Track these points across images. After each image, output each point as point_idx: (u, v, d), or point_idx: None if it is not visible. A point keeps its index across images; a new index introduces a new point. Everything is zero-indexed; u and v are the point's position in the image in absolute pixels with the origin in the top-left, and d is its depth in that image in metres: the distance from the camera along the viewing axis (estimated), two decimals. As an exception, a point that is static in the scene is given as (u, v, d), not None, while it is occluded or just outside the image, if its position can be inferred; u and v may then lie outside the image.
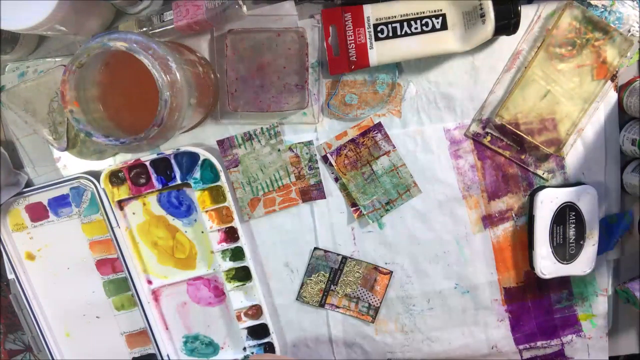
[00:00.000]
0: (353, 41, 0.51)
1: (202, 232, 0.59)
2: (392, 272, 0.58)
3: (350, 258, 0.58)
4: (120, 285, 0.60)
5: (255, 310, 0.59)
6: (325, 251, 0.58)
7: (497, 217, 0.57)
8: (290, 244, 0.58)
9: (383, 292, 0.58)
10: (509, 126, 0.53)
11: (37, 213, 0.59)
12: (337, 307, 0.59)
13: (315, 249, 0.58)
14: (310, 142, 0.56)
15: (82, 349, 0.62)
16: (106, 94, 0.46)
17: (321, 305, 0.59)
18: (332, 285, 0.59)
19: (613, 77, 0.53)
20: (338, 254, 0.58)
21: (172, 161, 0.56)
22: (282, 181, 0.57)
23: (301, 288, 0.59)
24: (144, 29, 0.50)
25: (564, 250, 0.55)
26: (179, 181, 0.56)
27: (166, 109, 0.41)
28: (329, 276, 0.58)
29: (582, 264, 0.55)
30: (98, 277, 0.60)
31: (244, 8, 0.49)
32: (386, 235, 0.57)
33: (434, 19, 0.50)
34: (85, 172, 0.57)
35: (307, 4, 0.54)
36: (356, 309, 0.59)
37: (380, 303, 0.59)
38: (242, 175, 0.57)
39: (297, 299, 0.59)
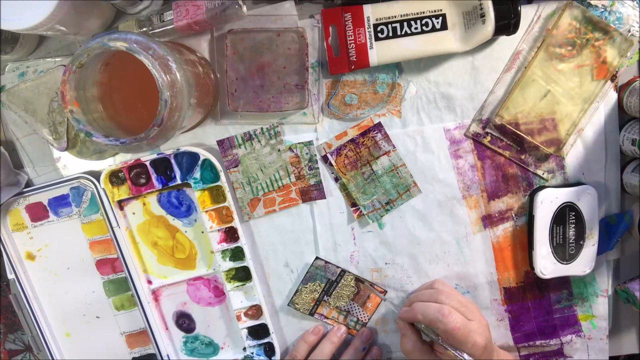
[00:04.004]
0: (353, 41, 0.51)
1: (202, 232, 0.59)
2: (386, 291, 0.58)
3: (349, 272, 0.58)
4: (120, 285, 0.60)
5: (255, 310, 0.59)
6: (326, 262, 0.58)
7: (497, 217, 0.57)
8: (290, 244, 0.58)
9: (373, 310, 0.58)
10: (509, 126, 0.53)
11: (37, 213, 0.59)
12: (326, 317, 0.59)
13: (317, 258, 0.58)
14: (310, 142, 0.56)
15: (82, 349, 0.62)
16: (106, 94, 0.46)
17: (311, 314, 0.59)
18: (325, 296, 0.58)
19: (613, 77, 0.53)
20: (337, 267, 0.58)
21: (172, 161, 0.56)
22: (282, 181, 0.56)
23: (294, 295, 0.59)
24: (144, 29, 0.50)
25: (563, 250, 0.55)
26: (179, 181, 0.56)
27: (166, 109, 0.41)
28: (324, 287, 0.58)
29: (582, 264, 0.55)
30: (98, 277, 0.60)
31: (244, 8, 0.49)
32: (386, 235, 0.57)
33: (434, 19, 0.50)
34: (85, 172, 0.57)
35: (307, 4, 0.54)
36: (344, 322, 0.59)
37: (369, 319, 0.59)
38: (242, 175, 0.57)
39: (288, 305, 0.59)
